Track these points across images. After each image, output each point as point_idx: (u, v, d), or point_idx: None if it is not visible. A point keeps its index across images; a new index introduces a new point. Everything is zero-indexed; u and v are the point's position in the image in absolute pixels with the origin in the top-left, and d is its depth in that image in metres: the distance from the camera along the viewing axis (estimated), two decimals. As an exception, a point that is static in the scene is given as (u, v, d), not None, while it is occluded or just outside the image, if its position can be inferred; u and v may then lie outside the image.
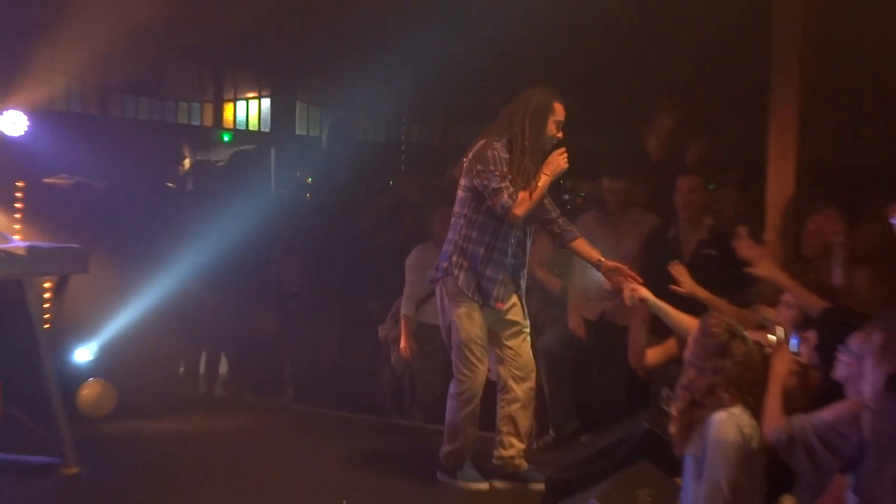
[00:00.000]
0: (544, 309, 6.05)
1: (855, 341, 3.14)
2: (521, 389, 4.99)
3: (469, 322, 4.86)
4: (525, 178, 4.77)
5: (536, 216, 4.99)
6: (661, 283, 4.78)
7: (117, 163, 7.69)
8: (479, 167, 4.78)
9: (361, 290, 7.17)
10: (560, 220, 5.05)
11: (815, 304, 3.92)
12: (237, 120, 12.30)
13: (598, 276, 5.06)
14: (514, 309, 5.00)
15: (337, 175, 9.18)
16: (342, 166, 9.33)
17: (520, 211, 4.74)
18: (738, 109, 6.93)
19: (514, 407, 4.98)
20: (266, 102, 12.38)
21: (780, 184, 5.55)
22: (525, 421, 5.05)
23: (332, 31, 8.46)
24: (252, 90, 12.35)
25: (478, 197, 4.83)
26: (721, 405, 3.54)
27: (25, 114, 6.71)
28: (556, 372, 5.82)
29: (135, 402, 6.53)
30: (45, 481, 4.88)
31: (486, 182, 4.75)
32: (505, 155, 4.78)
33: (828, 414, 3.30)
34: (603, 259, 4.94)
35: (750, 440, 3.46)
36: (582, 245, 5.04)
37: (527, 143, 4.80)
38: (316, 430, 6.29)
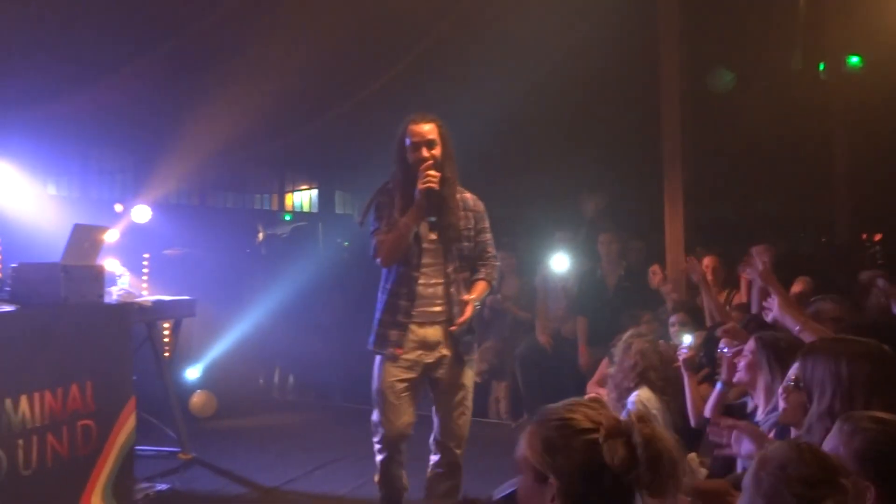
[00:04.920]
0: (517, 329, 5.99)
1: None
2: (446, 456, 3.26)
3: (378, 372, 3.31)
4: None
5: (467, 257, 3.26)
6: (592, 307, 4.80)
7: (213, 238, 7.69)
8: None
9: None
10: (483, 265, 3.31)
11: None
12: (295, 205, 12.35)
13: (556, 305, 4.98)
14: (441, 364, 3.19)
15: (365, 241, 9.20)
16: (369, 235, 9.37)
17: (377, 256, 3.25)
18: (643, 187, 7.03)
19: (433, 473, 3.30)
20: (315, 192, 12.44)
21: (672, 236, 5.61)
22: (442, 487, 3.23)
23: (359, 144, 8.63)
24: (305, 184, 12.41)
25: None
26: (634, 389, 3.68)
27: (149, 206, 6.74)
28: (527, 371, 5.70)
29: (229, 406, 6.42)
30: (169, 464, 4.79)
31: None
32: (384, 199, 3.26)
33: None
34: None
35: (650, 410, 3.49)
36: (476, 287, 3.28)
37: (398, 180, 3.21)
38: (355, 422, 6.13)
